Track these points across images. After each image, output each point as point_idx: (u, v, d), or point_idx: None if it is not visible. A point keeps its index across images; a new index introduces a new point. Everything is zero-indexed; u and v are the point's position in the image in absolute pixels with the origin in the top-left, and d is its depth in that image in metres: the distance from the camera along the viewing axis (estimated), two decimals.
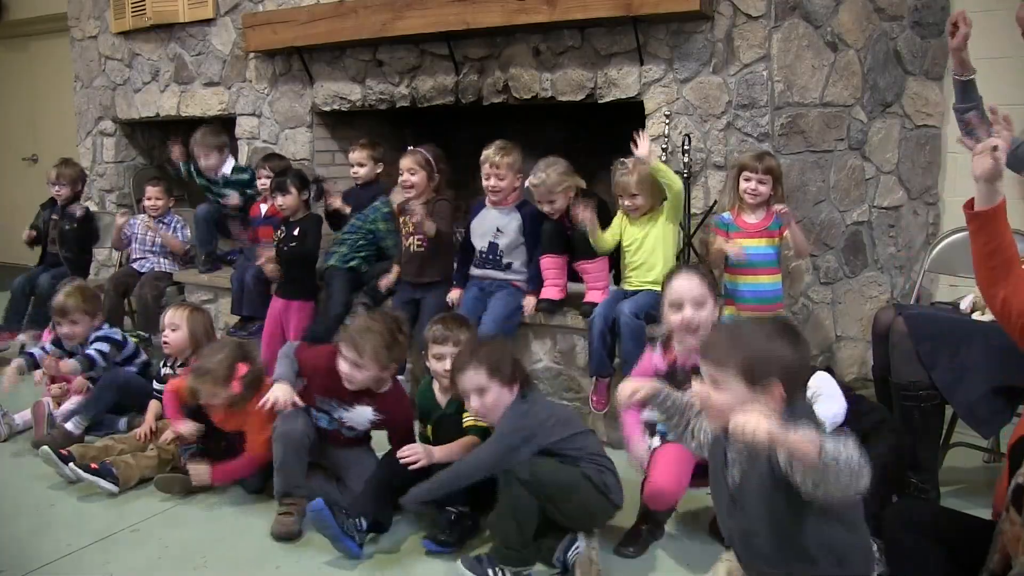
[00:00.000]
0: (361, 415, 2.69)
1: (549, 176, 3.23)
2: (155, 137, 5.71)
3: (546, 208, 3.30)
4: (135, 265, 4.56)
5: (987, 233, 1.87)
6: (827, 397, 2.20)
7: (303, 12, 4.21)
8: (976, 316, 2.69)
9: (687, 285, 2.35)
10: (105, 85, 5.50)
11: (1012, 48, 3.62)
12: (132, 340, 3.56)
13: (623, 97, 3.57)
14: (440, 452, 2.50)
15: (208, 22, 4.83)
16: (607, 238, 3.19)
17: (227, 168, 4.46)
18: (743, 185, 3.06)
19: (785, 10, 3.28)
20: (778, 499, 1.60)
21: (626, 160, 3.14)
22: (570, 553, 2.27)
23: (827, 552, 1.64)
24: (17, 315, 4.68)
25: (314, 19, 4.15)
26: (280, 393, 2.62)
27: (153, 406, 3.16)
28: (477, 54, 3.92)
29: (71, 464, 2.84)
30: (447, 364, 2.54)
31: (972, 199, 1.89)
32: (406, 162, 3.54)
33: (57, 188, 4.81)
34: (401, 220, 3.61)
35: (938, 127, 3.85)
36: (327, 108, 4.43)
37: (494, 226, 3.41)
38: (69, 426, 3.22)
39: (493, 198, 3.41)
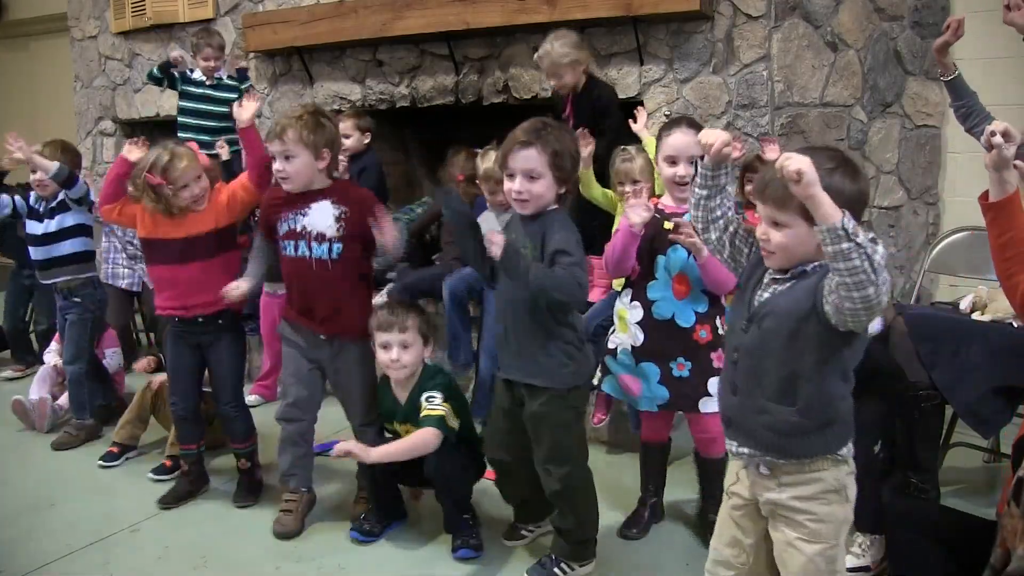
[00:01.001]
0: (322, 212, 2.45)
1: (554, 48, 3.03)
2: (155, 137, 5.69)
3: (553, 83, 3.17)
4: (123, 284, 4.26)
5: (1000, 224, 1.86)
6: None
7: (303, 12, 4.21)
8: (976, 316, 2.69)
9: (684, 141, 2.23)
10: (105, 85, 5.50)
11: (1012, 48, 3.62)
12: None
13: (623, 97, 3.56)
14: (378, 453, 2.30)
15: (208, 22, 4.82)
16: (596, 192, 3.05)
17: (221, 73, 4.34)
18: (748, 188, 3.02)
19: (785, 10, 3.28)
20: (803, 326, 1.54)
21: (628, 147, 3.07)
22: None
23: (814, 406, 1.57)
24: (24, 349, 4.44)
25: (314, 19, 4.15)
26: (241, 284, 2.56)
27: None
28: (477, 54, 3.92)
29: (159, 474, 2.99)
30: (394, 354, 2.38)
31: (987, 191, 1.87)
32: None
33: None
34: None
35: (938, 127, 3.85)
36: (327, 108, 4.42)
37: (497, 230, 3.32)
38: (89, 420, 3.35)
39: (495, 207, 3.29)
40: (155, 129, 5.63)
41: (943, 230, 3.73)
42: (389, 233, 2.41)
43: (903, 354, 2.52)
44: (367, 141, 3.99)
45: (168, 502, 2.80)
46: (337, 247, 2.45)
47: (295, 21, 4.22)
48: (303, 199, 2.47)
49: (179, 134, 4.35)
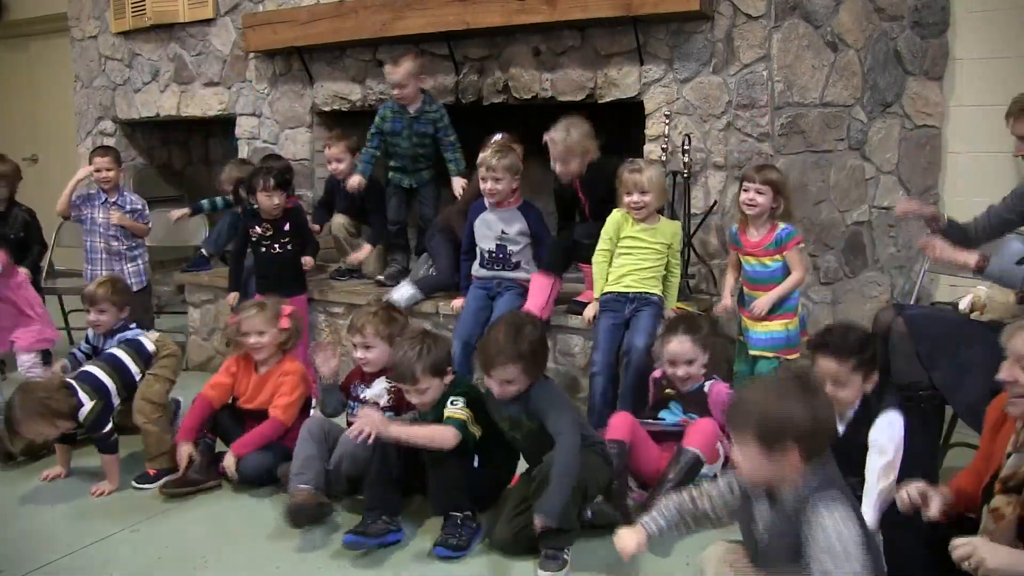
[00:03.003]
0: (379, 387, 2.87)
1: (570, 135, 3.19)
2: (155, 137, 5.71)
3: (558, 168, 3.27)
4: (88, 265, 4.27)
5: None
6: (879, 452, 2.18)
7: (303, 12, 4.21)
8: (974, 316, 2.69)
9: (680, 349, 2.73)
10: (105, 85, 5.50)
11: (1012, 48, 3.63)
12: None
13: (623, 97, 3.57)
14: (396, 429, 2.45)
15: (208, 22, 4.83)
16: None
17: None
18: (742, 196, 3.01)
19: (785, 10, 3.28)
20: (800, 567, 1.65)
21: (637, 159, 3.15)
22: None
23: None
24: None
25: (314, 19, 4.15)
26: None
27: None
28: (477, 54, 3.92)
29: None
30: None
31: None
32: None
33: None
34: None
35: (938, 127, 3.85)
36: (327, 108, 4.43)
37: (499, 228, 3.37)
38: None
39: (491, 199, 3.36)
40: (155, 129, 5.65)
41: None
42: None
43: (903, 354, 2.53)
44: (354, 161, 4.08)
45: (171, 488, 2.84)
46: (389, 415, 2.78)
47: (295, 21, 4.22)
48: (371, 377, 2.91)
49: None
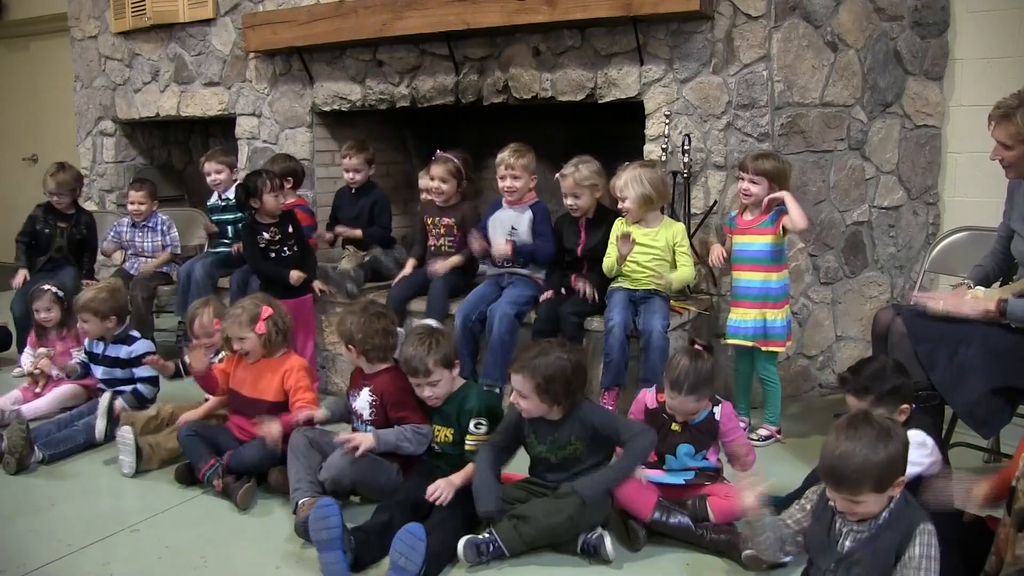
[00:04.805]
0: (363, 399, 2.79)
1: (579, 171, 3.27)
2: (155, 137, 5.71)
3: (569, 202, 3.33)
4: (126, 266, 4.54)
5: None
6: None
7: (303, 12, 4.21)
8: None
9: (683, 408, 2.47)
10: (105, 85, 5.50)
11: (1012, 48, 3.63)
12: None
13: (623, 97, 3.57)
14: (459, 478, 2.53)
15: (208, 22, 4.83)
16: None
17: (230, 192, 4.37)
18: (738, 184, 3.11)
19: (785, 10, 3.28)
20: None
21: (626, 163, 3.19)
22: (594, 537, 2.38)
23: None
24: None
25: (314, 19, 4.15)
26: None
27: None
28: (477, 54, 3.92)
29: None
30: (425, 392, 2.64)
31: None
32: (437, 170, 3.61)
33: (57, 198, 4.46)
34: (429, 221, 3.69)
35: (938, 127, 3.85)
36: (327, 108, 4.43)
37: (509, 224, 3.44)
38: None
39: (509, 198, 3.45)
40: (155, 129, 5.65)
41: (943, 230, 3.73)
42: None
43: (902, 355, 2.53)
44: (371, 173, 4.12)
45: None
46: (370, 428, 2.77)
47: (295, 21, 4.22)
48: (357, 383, 2.86)
49: None
